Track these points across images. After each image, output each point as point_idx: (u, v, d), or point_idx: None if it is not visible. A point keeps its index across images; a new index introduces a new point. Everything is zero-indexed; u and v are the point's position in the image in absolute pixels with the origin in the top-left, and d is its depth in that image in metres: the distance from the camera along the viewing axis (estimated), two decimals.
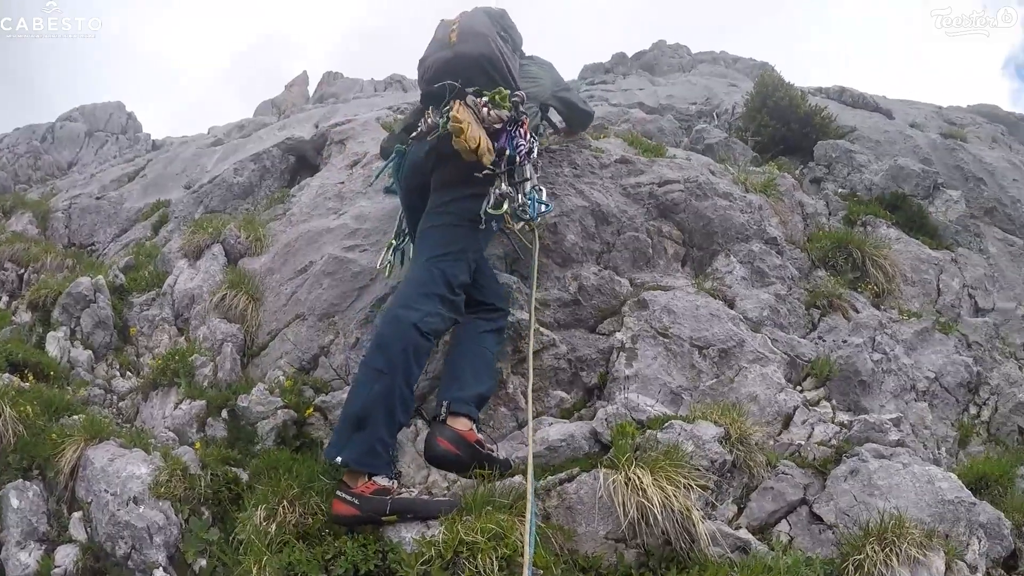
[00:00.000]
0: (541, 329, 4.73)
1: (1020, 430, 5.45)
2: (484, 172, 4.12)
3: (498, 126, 4.24)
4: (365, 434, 3.62)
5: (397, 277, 4.92)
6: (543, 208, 4.50)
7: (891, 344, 5.24)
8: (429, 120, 4.35)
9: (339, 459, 3.59)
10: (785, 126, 8.56)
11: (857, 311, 5.46)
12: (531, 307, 4.52)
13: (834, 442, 4.20)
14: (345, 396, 4.05)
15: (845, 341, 5.08)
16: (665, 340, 4.67)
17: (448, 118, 4.01)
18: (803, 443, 4.21)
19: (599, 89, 12.77)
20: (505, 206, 4.17)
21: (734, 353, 4.65)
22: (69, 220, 9.35)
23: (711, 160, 7.02)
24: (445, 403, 3.88)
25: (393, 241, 5.02)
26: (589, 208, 5.33)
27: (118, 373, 5.64)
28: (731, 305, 5.12)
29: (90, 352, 5.75)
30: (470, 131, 3.97)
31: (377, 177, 5.32)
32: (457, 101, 4.13)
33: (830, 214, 6.99)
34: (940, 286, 6.39)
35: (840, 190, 7.61)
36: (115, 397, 5.38)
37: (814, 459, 4.09)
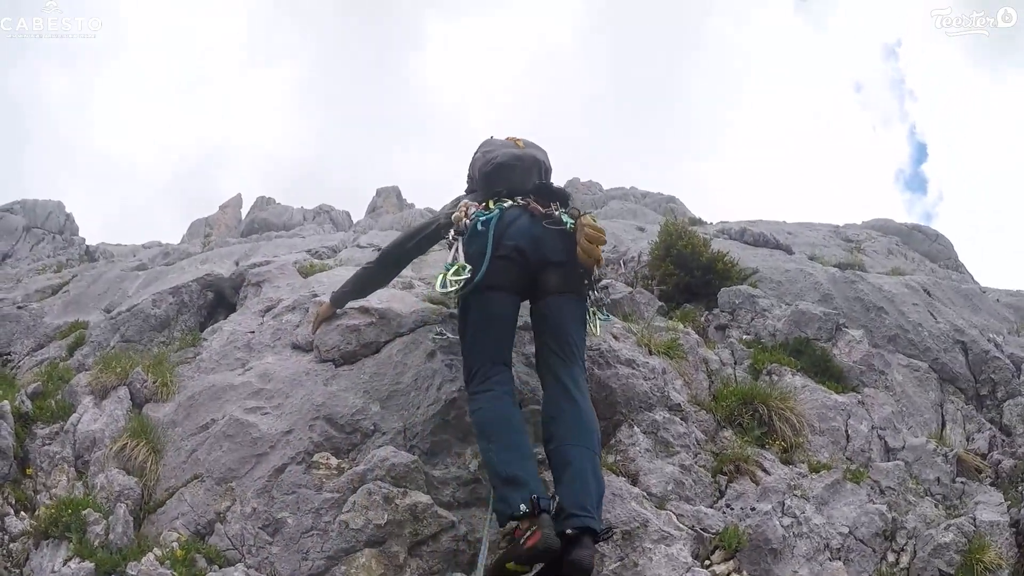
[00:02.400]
0: (439, 510, 4.64)
1: (941, 573, 5.40)
2: (587, 282, 4.95)
3: None
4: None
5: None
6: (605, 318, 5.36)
7: (801, 506, 5.23)
8: (555, 214, 4.92)
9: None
10: (689, 274, 8.73)
11: (766, 471, 5.45)
12: None
13: None
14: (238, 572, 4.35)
15: (753, 508, 5.05)
16: None
17: (585, 224, 4.69)
18: None
19: None
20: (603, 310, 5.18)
21: (638, 534, 4.57)
22: None
23: (615, 319, 7.09)
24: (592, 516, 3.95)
25: (463, 268, 4.78)
26: None
27: (12, 510, 5.41)
28: (635, 481, 5.06)
29: None
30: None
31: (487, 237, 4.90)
32: (583, 213, 4.86)
33: (736, 363, 7.08)
34: (849, 431, 6.44)
35: (745, 336, 7.73)
36: (7, 538, 5.17)
37: None
